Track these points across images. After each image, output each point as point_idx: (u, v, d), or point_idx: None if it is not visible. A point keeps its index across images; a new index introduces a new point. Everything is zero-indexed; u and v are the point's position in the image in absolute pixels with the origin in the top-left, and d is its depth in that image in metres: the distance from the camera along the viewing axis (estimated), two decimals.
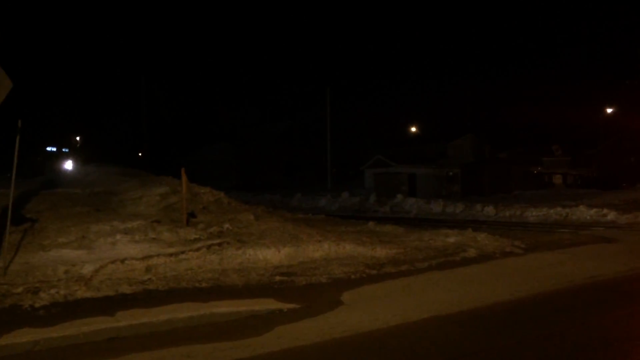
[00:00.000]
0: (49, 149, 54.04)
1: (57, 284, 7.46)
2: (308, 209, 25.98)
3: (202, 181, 15.12)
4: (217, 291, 7.53)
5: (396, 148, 47.20)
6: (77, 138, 57.47)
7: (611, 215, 19.05)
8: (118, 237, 9.60)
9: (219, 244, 9.66)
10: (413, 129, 59.05)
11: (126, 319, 6.08)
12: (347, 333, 5.69)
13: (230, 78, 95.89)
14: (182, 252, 9.06)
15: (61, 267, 8.04)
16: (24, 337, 5.47)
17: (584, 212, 20.06)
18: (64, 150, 54.50)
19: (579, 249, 11.65)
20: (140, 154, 48.99)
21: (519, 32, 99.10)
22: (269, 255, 9.59)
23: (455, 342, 5.47)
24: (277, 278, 8.37)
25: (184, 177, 11.02)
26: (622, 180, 39.88)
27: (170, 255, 8.90)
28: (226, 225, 10.95)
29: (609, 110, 47.14)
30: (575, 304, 7.05)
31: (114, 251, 8.96)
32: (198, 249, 9.28)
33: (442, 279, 8.57)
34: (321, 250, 10.18)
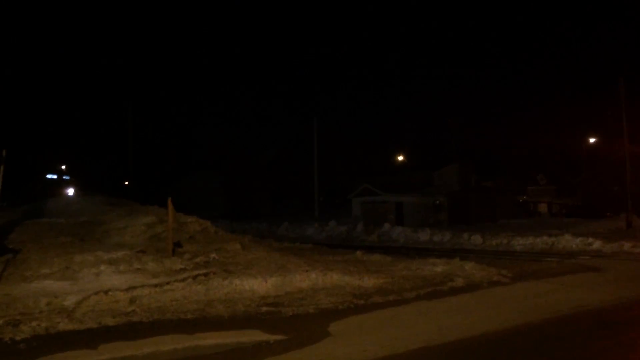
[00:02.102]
0: (49, 176, 53.69)
1: (38, 316, 7.31)
2: (295, 237, 25.86)
3: (189, 210, 15.05)
4: (203, 322, 7.42)
5: (383, 177, 47.33)
6: (63, 167, 57.03)
7: (596, 244, 19.18)
8: (102, 267, 9.47)
9: (205, 274, 9.56)
10: (400, 158, 59.40)
11: (109, 352, 5.95)
12: None
13: (218, 106, 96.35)
14: (167, 283, 8.95)
15: (43, 299, 7.89)
16: None
17: (569, 241, 20.17)
18: (64, 177, 54.10)
19: (566, 278, 11.69)
20: (126, 183, 48.66)
21: (503, 62, 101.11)
22: (256, 285, 9.50)
23: None
24: (264, 309, 8.28)
25: (170, 207, 10.95)
26: (606, 209, 40.27)
27: (155, 285, 8.79)
28: (212, 255, 10.87)
29: (592, 140, 47.90)
30: (562, 334, 7.03)
31: (97, 282, 8.83)
32: (184, 280, 9.17)
33: (430, 309, 8.52)
34: (308, 280, 10.11)
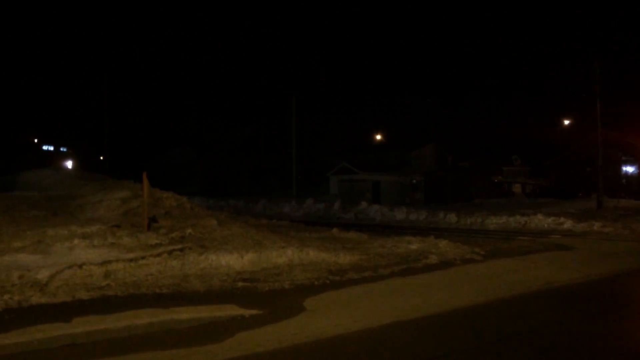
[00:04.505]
0: (45, 147, 52.41)
1: (10, 290, 7.24)
2: (272, 215, 25.88)
3: (165, 186, 14.90)
4: (178, 297, 7.43)
5: (361, 155, 47.50)
6: (35, 140, 55.80)
7: (567, 224, 19.61)
8: (76, 241, 9.37)
9: (181, 249, 9.53)
10: (378, 137, 59.61)
11: (83, 326, 5.93)
12: (308, 339, 5.69)
13: (196, 83, 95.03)
14: (143, 258, 8.90)
15: (15, 272, 7.79)
16: None
17: (541, 221, 20.58)
18: (61, 149, 52.85)
19: (536, 256, 11.95)
20: (101, 158, 47.96)
21: (481, 46, 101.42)
22: (232, 261, 9.52)
23: (415, 347, 5.54)
24: (240, 284, 8.32)
25: (145, 181, 10.84)
26: (578, 189, 41.14)
27: (130, 260, 8.73)
28: (188, 231, 10.82)
29: (566, 122, 48.65)
30: (531, 310, 7.22)
31: (71, 256, 8.74)
32: (159, 254, 9.13)
33: (404, 285, 8.66)
34: (285, 256, 10.16)
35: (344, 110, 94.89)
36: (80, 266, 8.23)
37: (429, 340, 5.78)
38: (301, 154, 45.73)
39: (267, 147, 57.86)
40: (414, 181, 39.39)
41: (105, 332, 5.79)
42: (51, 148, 53.19)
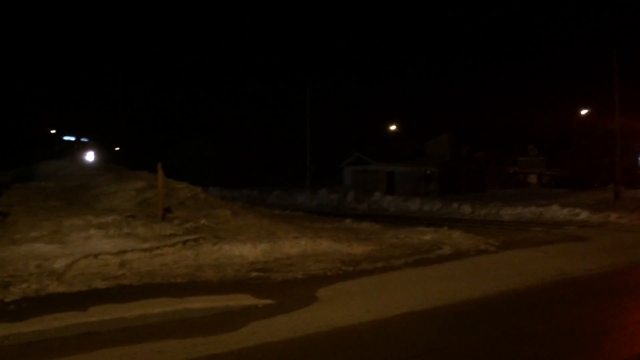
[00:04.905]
0: (66, 138, 52.46)
1: (28, 279, 7.36)
2: (286, 205, 25.94)
3: (180, 176, 14.99)
4: (192, 287, 7.50)
5: (375, 146, 47.35)
6: (53, 131, 56.20)
7: (583, 215, 19.41)
8: (92, 231, 9.49)
9: (195, 240, 9.61)
10: (392, 128, 59.24)
11: (99, 314, 6.02)
12: (321, 329, 5.71)
13: (210, 74, 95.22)
14: (157, 248, 8.99)
15: (33, 262, 7.92)
16: None
17: (557, 211, 20.40)
18: (82, 140, 52.91)
19: (551, 247, 11.87)
20: (117, 148, 48.31)
21: (497, 35, 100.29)
22: (245, 251, 9.58)
23: (427, 337, 5.54)
24: (253, 274, 8.37)
25: (160, 172, 10.92)
26: (594, 180, 40.63)
27: (145, 250, 8.83)
28: (202, 221, 10.90)
29: (583, 112, 47.99)
30: (545, 301, 7.18)
31: (87, 246, 8.86)
32: (173, 245, 9.22)
33: (417, 276, 8.65)
34: (298, 247, 10.20)
35: (358, 100, 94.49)
36: (96, 256, 8.34)
37: (440, 331, 5.77)
38: (315, 144, 45.64)
39: (281, 137, 57.84)
40: (428, 172, 39.16)
41: (121, 321, 5.88)
42: (72, 139, 53.26)
